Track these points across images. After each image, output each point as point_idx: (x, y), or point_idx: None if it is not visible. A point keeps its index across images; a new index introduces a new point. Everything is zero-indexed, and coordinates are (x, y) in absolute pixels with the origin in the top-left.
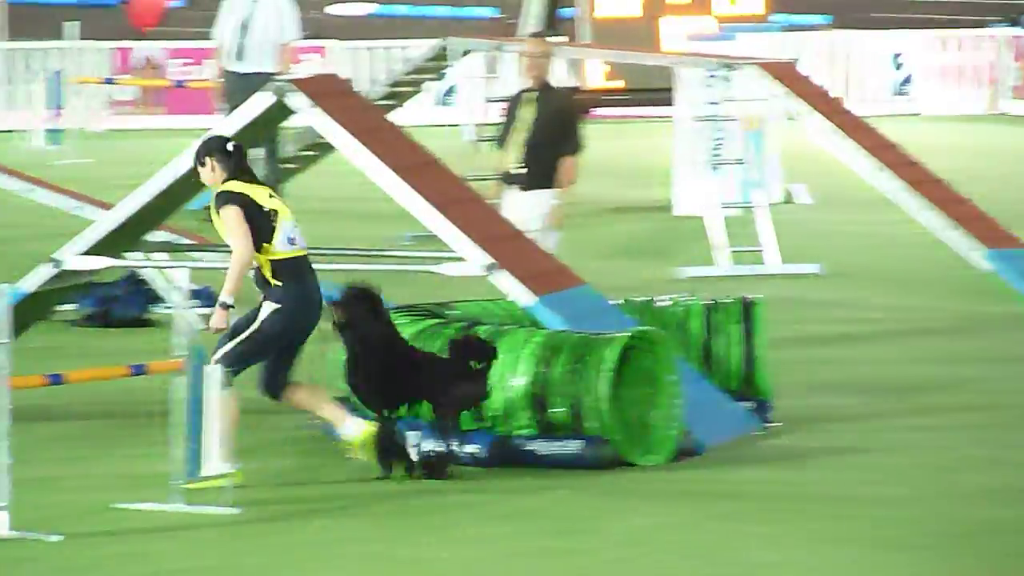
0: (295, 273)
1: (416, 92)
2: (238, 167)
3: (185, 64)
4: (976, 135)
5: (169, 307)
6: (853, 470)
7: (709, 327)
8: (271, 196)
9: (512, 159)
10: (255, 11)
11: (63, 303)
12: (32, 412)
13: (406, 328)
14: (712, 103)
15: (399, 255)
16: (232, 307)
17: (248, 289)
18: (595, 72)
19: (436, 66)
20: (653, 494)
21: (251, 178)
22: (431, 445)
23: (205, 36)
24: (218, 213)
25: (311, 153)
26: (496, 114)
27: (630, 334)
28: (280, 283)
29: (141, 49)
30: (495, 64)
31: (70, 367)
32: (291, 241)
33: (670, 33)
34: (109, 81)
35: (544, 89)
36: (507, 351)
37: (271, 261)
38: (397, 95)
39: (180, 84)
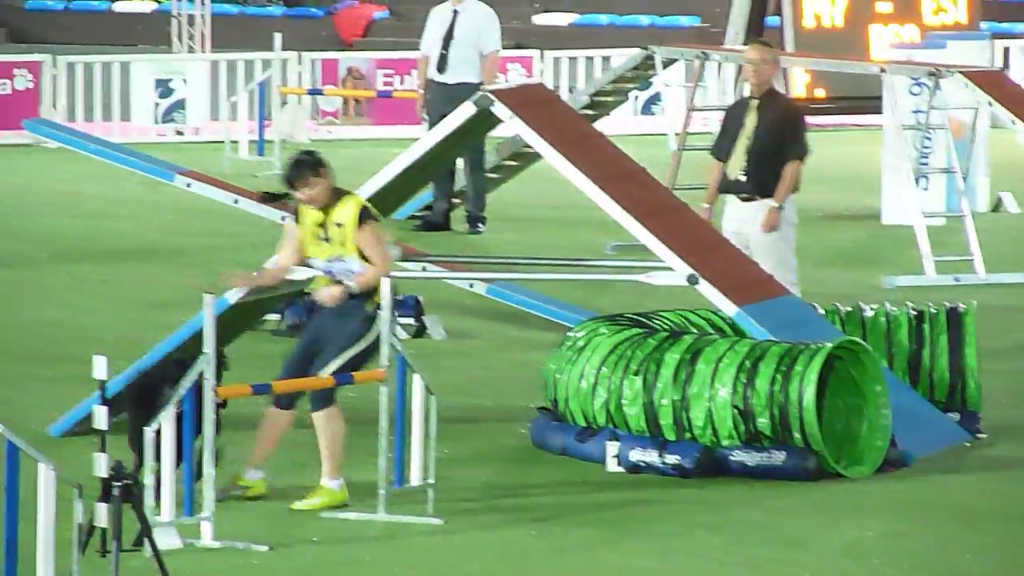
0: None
1: (621, 101)
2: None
3: (390, 75)
4: None
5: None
6: None
7: (916, 337)
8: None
9: (734, 168)
10: (457, 22)
11: (269, 313)
12: (239, 422)
13: (608, 339)
14: (919, 111)
15: (603, 264)
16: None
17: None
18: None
19: (639, 75)
20: (862, 506)
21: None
22: (637, 455)
23: (410, 47)
24: (362, 226)
25: (515, 163)
26: (698, 123)
27: (835, 344)
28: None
29: (346, 60)
30: (699, 73)
31: (277, 377)
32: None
33: (877, 41)
34: (314, 92)
35: (767, 96)
36: (709, 361)
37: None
38: (601, 104)
39: (385, 95)
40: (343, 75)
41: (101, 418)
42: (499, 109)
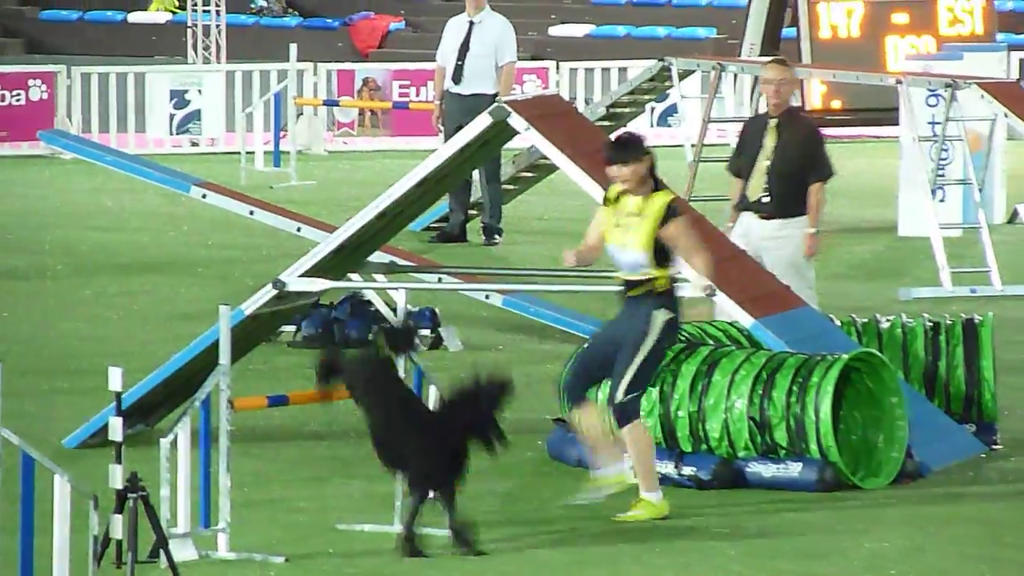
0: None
1: (637, 112)
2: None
3: (406, 86)
4: None
5: None
6: None
7: (932, 348)
8: None
9: (755, 188)
10: (473, 33)
11: (285, 324)
12: (255, 434)
13: None
14: (935, 123)
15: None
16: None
17: None
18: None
19: (656, 86)
20: (880, 518)
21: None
22: None
23: (426, 58)
24: (667, 223)
25: (531, 175)
26: (715, 135)
27: (851, 356)
28: (672, 295)
29: (362, 71)
30: (715, 84)
31: (293, 388)
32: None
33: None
34: (330, 103)
35: (787, 115)
36: (725, 373)
37: (670, 276)
38: (617, 115)
39: (401, 106)
40: (359, 86)
41: (116, 430)
42: (515, 120)
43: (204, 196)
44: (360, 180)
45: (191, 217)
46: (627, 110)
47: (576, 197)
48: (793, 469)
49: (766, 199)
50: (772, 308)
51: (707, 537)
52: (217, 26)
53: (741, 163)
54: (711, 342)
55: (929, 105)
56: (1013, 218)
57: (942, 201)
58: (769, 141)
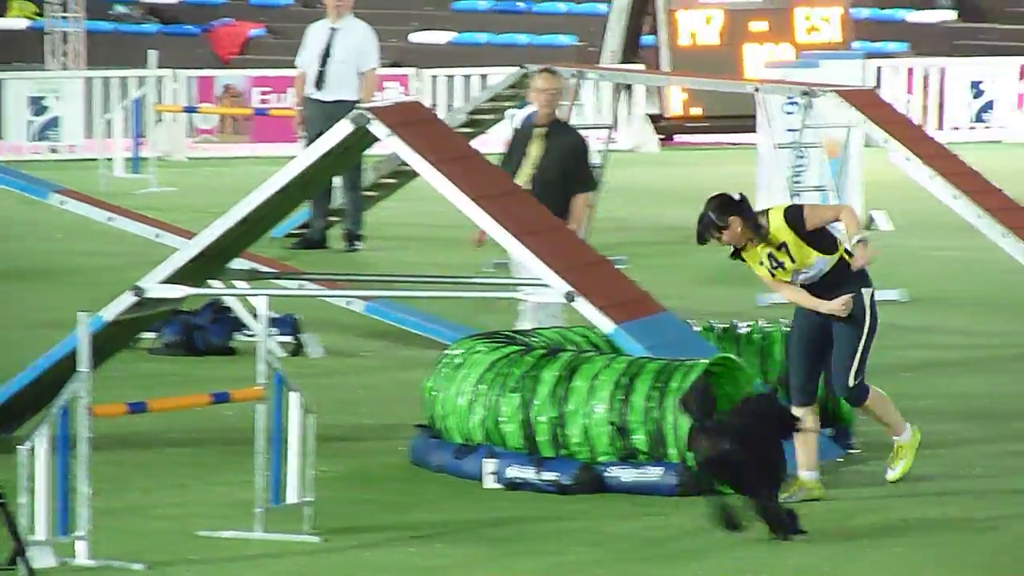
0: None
1: (498, 119)
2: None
3: (267, 92)
4: None
5: (252, 335)
6: (935, 496)
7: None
8: (762, 262)
9: None
10: (335, 40)
11: (145, 331)
12: (115, 441)
13: (486, 356)
14: (792, 130)
15: (481, 282)
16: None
17: None
18: (674, 99)
19: (517, 93)
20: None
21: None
22: (515, 472)
23: (287, 65)
24: (797, 223)
25: (393, 181)
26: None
27: (710, 361)
28: (861, 271)
29: (223, 77)
30: (575, 91)
31: (153, 395)
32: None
33: (751, 60)
34: (190, 109)
35: (554, 125)
36: (586, 378)
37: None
38: (479, 122)
39: (262, 112)
40: (219, 92)
41: None
42: (376, 127)
43: (62, 203)
44: (221, 186)
45: (51, 224)
46: (488, 117)
47: (437, 203)
48: (653, 473)
49: None
50: (633, 313)
51: (567, 542)
52: (76, 32)
53: (507, 171)
54: (572, 348)
55: (787, 112)
56: (869, 224)
57: None
58: (535, 149)
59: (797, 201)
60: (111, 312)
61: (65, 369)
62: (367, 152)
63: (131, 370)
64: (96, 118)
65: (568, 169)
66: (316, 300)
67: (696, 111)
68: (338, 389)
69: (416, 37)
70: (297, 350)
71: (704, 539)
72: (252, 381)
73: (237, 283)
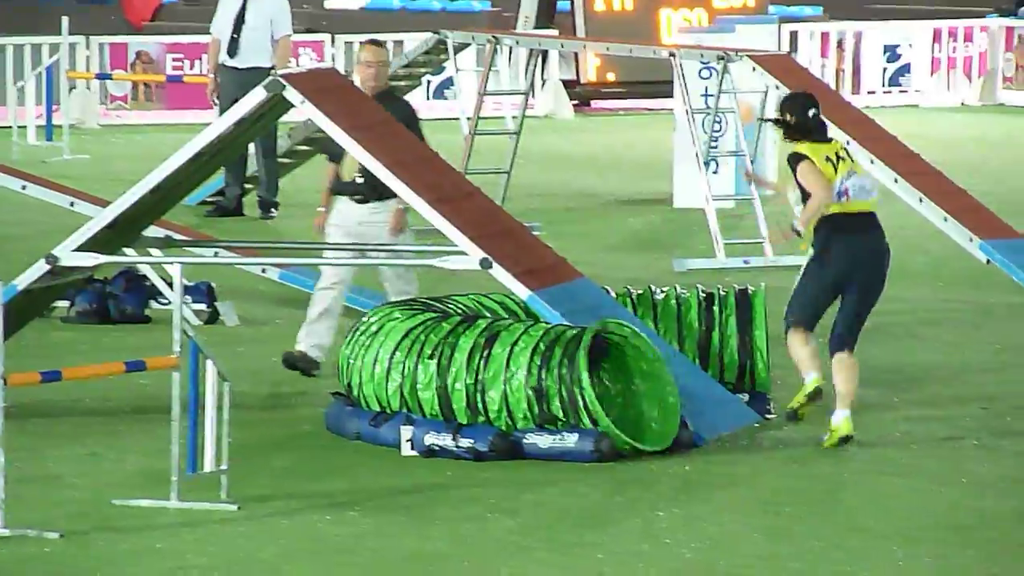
0: (837, 226)
1: (414, 85)
2: (812, 129)
3: (180, 59)
4: (972, 126)
5: (166, 303)
6: (852, 461)
7: (706, 319)
8: (829, 157)
9: (348, 170)
10: (248, 6)
11: (59, 300)
12: (29, 410)
13: (402, 323)
14: (708, 95)
15: (397, 249)
16: (798, 233)
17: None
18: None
19: (432, 59)
20: (656, 487)
21: (819, 138)
22: (431, 439)
23: (200, 31)
24: (793, 172)
25: (308, 148)
26: (491, 108)
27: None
28: (818, 234)
29: (136, 44)
30: (490, 57)
31: (67, 364)
32: (840, 195)
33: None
34: (103, 76)
35: (383, 97)
36: (505, 345)
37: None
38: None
39: (175, 79)
40: (132, 59)
41: None
42: (291, 94)
43: None
44: (134, 154)
45: None
46: (403, 83)
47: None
48: (569, 440)
49: (359, 181)
50: (548, 281)
51: (483, 509)
52: None
53: (336, 146)
54: (488, 315)
55: (702, 77)
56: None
57: (715, 173)
58: None
59: (712, 166)
60: (24, 280)
61: None
62: (282, 119)
63: (44, 339)
64: (8, 86)
65: None
66: (231, 268)
67: (611, 77)
68: (253, 357)
69: (330, 3)
70: (212, 318)
71: (620, 506)
72: (167, 349)
73: (152, 251)
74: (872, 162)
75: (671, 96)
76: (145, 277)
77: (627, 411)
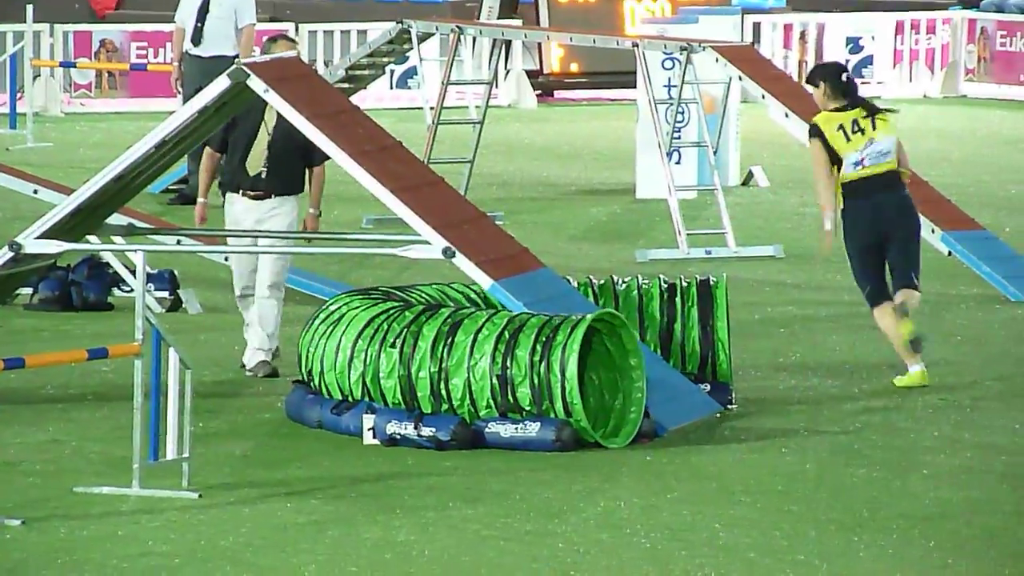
0: (857, 191)
1: (377, 75)
2: (846, 96)
3: (144, 48)
4: (935, 118)
5: (129, 291)
6: (812, 451)
7: (668, 309)
8: (843, 125)
9: (253, 164)
10: None
11: (22, 287)
12: None
13: (364, 312)
14: (671, 86)
15: (360, 238)
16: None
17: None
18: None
19: (396, 49)
20: (617, 477)
21: (844, 107)
22: (393, 428)
23: (164, 20)
24: (809, 142)
25: None
26: (454, 98)
27: (594, 315)
28: (844, 204)
29: (100, 32)
30: (454, 47)
31: (29, 351)
32: (857, 164)
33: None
34: (67, 64)
35: None
36: (468, 333)
37: (841, 185)
38: (357, 78)
39: (139, 67)
40: (96, 48)
41: None
42: (254, 83)
43: None
44: (98, 142)
45: None
46: (366, 72)
47: None
48: (531, 429)
49: (264, 176)
50: (511, 270)
51: (445, 498)
52: None
53: (232, 138)
54: (451, 304)
55: (665, 68)
56: (747, 180)
57: (678, 163)
58: (269, 117)
59: (675, 157)
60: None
61: None
62: None
63: (7, 326)
64: None
65: (305, 139)
66: (194, 256)
67: (574, 67)
68: (216, 345)
69: None
70: (175, 306)
71: (581, 496)
72: (129, 337)
73: (115, 238)
74: None
75: (634, 87)
76: (108, 264)
77: (589, 399)
